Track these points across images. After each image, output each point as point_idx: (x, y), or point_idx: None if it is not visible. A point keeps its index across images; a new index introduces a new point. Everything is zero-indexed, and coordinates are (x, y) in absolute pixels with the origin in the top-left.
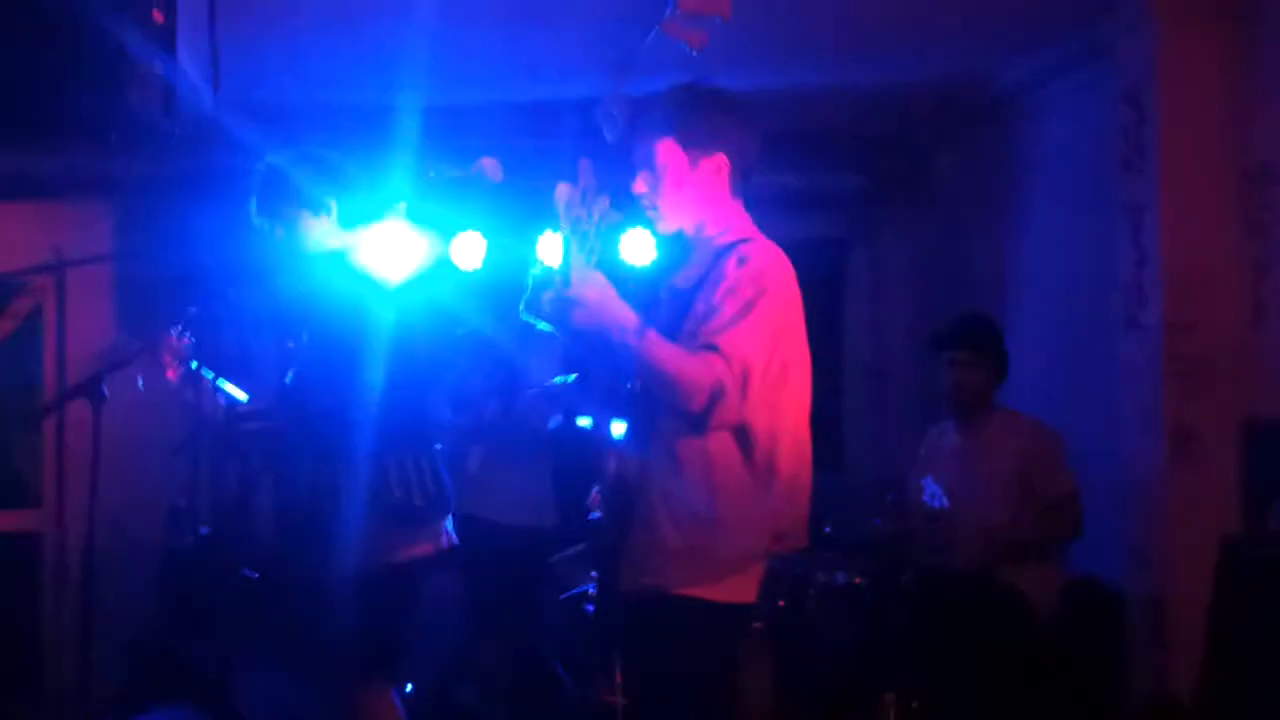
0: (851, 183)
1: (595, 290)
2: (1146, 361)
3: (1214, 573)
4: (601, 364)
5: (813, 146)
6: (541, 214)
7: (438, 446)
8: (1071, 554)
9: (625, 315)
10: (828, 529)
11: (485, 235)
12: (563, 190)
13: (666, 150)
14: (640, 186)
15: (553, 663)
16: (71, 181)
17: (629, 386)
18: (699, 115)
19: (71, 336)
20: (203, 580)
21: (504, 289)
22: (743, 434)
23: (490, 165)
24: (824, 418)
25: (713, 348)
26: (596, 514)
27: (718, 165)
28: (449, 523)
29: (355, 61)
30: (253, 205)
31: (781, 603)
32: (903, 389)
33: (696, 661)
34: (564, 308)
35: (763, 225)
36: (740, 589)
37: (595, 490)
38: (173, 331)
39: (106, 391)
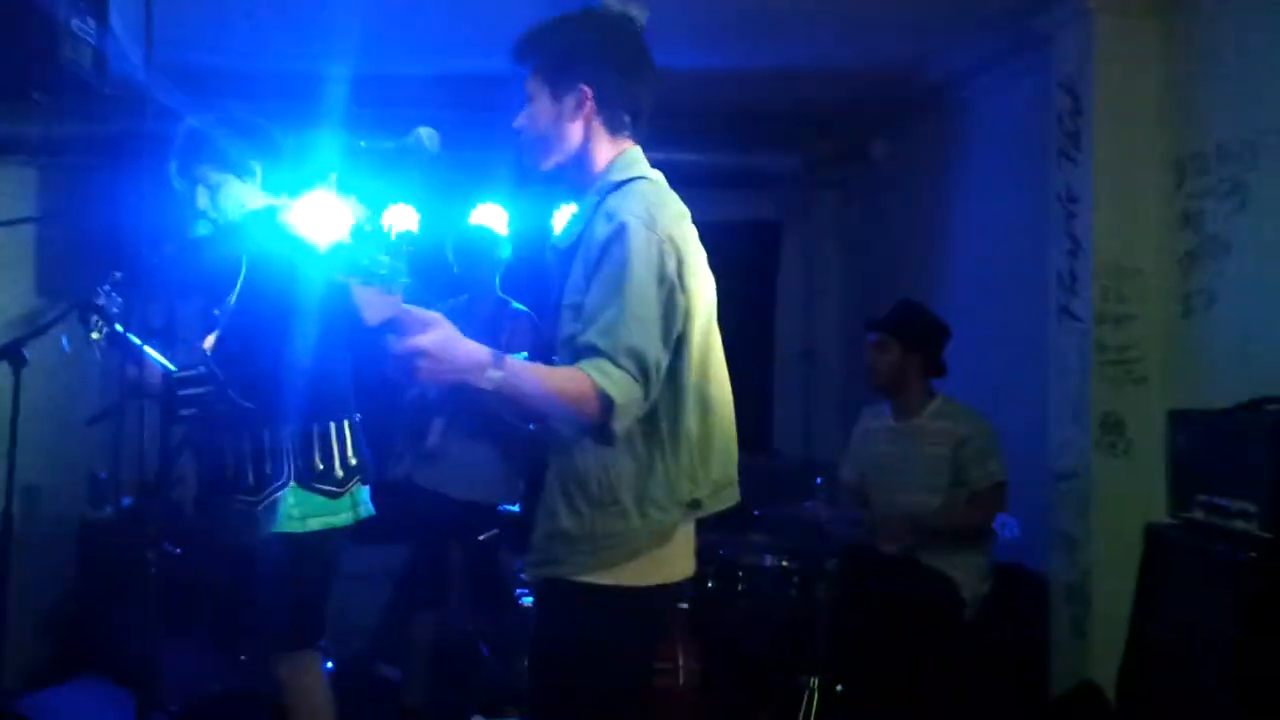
0: (785, 164)
1: (434, 335)
2: (1076, 351)
3: (1139, 562)
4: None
5: (748, 125)
6: (475, 187)
7: (358, 416)
8: (999, 540)
9: (473, 353)
10: (757, 512)
11: (418, 208)
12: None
13: (532, 84)
14: (518, 123)
15: (479, 641)
16: None
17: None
18: (556, 45)
19: None
20: (122, 553)
21: (442, 262)
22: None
23: (427, 135)
24: (755, 401)
25: (594, 349)
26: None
27: (580, 97)
28: (367, 493)
29: (290, 28)
30: (173, 167)
31: (709, 584)
32: (834, 373)
33: (605, 650)
34: (406, 364)
35: (696, 204)
36: (656, 568)
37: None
38: (100, 291)
39: (28, 356)
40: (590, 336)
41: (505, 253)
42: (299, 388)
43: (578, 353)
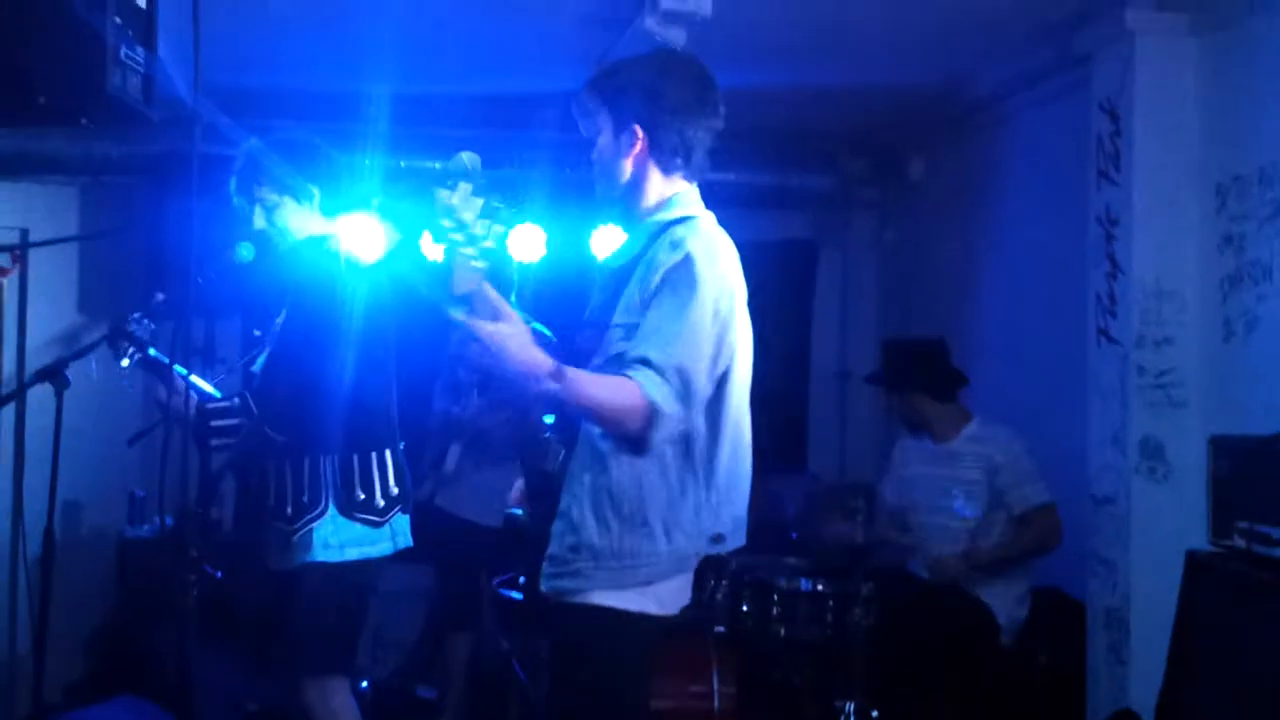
0: (822, 183)
1: (505, 335)
2: (1115, 374)
3: (1179, 589)
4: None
5: (785, 144)
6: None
7: (401, 445)
8: (1036, 564)
9: (537, 361)
10: (793, 534)
11: None
12: (442, 195)
13: (600, 118)
14: (594, 154)
15: (513, 661)
16: (39, 161)
17: None
18: (617, 85)
19: (33, 318)
20: (161, 571)
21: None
22: (683, 433)
23: (469, 159)
24: (791, 421)
25: (646, 361)
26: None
27: (634, 138)
28: (407, 522)
29: (333, 51)
30: (232, 185)
31: (744, 607)
32: (871, 394)
33: (611, 675)
34: (473, 351)
35: (733, 223)
36: (667, 596)
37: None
38: (131, 319)
39: (70, 377)
40: (643, 349)
41: (515, 274)
42: (341, 417)
43: (627, 365)
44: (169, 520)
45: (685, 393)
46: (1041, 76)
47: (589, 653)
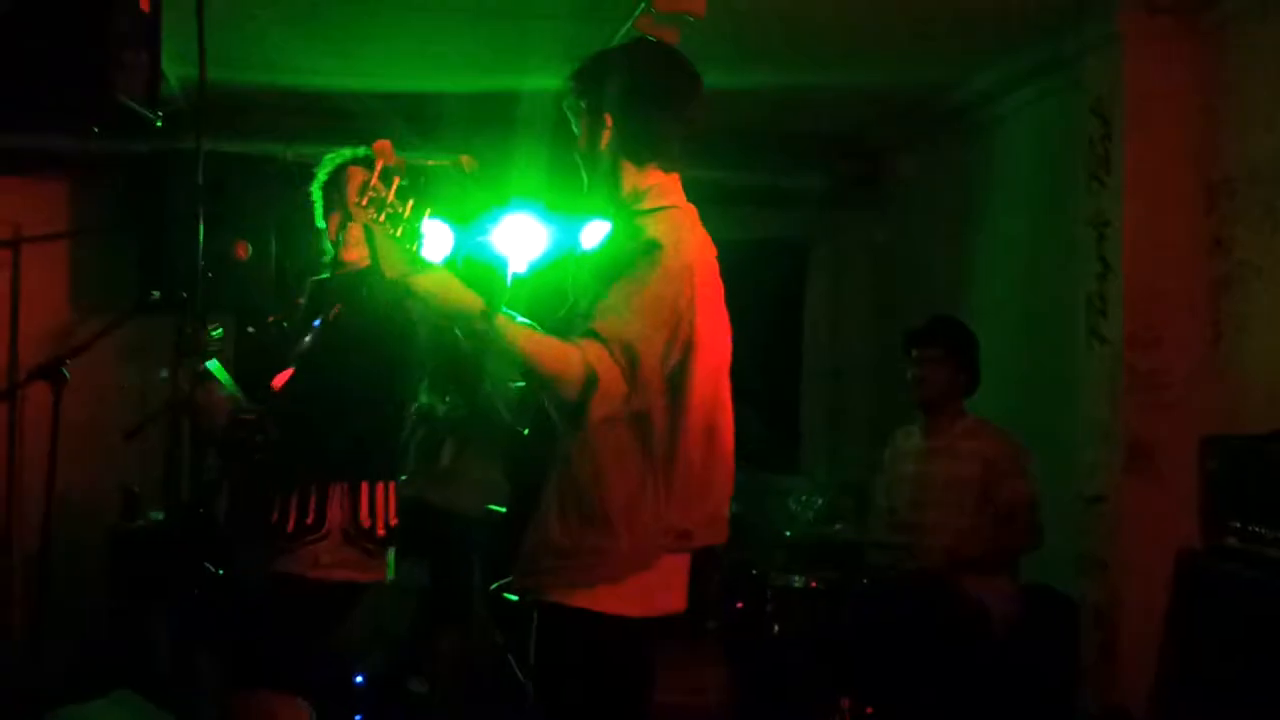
0: (814, 183)
1: (429, 279)
2: (1106, 375)
3: (1171, 588)
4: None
5: (777, 145)
6: (509, 204)
7: (403, 477)
8: (1027, 562)
9: (466, 301)
10: (787, 533)
11: (452, 226)
12: (355, 172)
13: (578, 112)
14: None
15: (508, 655)
16: (32, 157)
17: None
18: (589, 78)
19: (25, 314)
20: (157, 567)
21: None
22: (639, 422)
23: (467, 162)
24: (784, 420)
25: (592, 333)
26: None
27: (605, 128)
28: (393, 555)
29: (326, 49)
30: (316, 190)
31: (740, 604)
32: (863, 393)
33: (588, 677)
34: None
35: (724, 223)
36: (640, 596)
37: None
38: (205, 324)
39: (68, 374)
40: (593, 324)
41: (506, 268)
42: (359, 444)
43: (576, 335)
44: (155, 516)
45: (631, 370)
46: (1031, 78)
47: (564, 653)
